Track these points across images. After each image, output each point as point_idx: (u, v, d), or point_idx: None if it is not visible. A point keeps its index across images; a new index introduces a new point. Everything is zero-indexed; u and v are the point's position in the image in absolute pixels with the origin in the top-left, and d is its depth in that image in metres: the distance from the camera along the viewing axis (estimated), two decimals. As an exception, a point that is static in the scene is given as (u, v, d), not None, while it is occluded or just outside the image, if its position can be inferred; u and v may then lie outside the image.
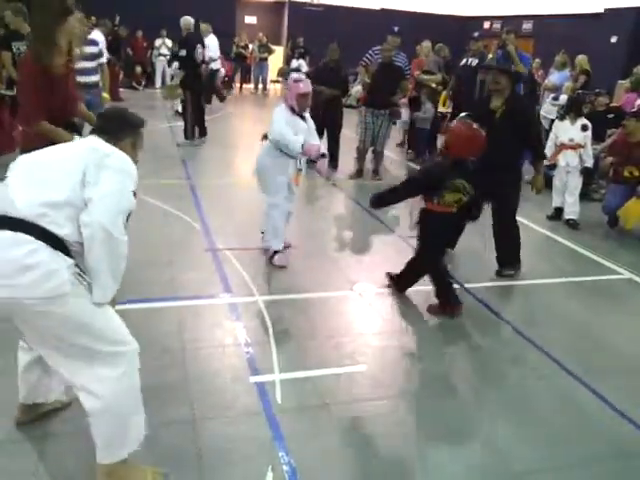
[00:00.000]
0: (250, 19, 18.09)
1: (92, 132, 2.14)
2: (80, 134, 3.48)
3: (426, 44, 9.33)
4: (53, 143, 2.27)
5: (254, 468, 2.29)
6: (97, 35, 7.40)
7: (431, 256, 3.70)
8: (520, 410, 2.83)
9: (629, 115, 6.03)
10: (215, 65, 10.22)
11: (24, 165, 1.97)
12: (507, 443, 2.58)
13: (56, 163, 1.95)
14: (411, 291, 4.03)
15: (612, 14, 12.27)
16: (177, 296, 3.67)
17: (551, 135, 6.02)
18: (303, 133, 4.17)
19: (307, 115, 4.35)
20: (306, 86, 4.19)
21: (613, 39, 12.26)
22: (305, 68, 13.96)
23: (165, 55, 14.09)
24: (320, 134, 7.40)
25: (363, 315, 3.71)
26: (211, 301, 3.67)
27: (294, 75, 4.49)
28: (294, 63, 14.28)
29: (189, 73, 8.05)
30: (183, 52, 8.04)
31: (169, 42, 13.94)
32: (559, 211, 6.05)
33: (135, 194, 2.01)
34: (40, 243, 1.78)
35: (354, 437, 2.53)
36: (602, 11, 12.53)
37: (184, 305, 3.56)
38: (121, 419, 2.01)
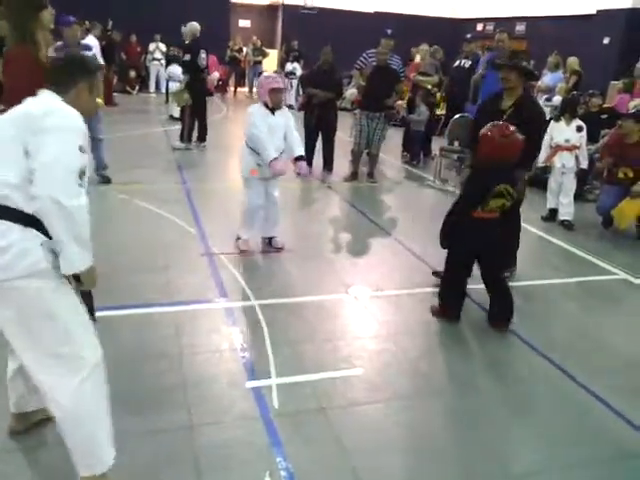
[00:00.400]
0: (244, 22, 18.10)
1: (47, 86, 2.04)
2: None
3: (423, 47, 9.35)
4: None
5: (251, 473, 2.28)
6: (91, 40, 7.39)
7: (458, 258, 3.58)
8: (519, 412, 2.84)
9: (626, 116, 6.02)
10: None
11: None
12: (506, 445, 2.58)
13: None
14: (406, 294, 4.04)
15: (604, 16, 12.33)
16: (173, 301, 3.66)
17: (546, 137, 6.02)
18: (276, 128, 4.29)
19: (285, 111, 4.45)
20: (277, 82, 4.33)
21: (605, 40, 12.32)
22: (299, 71, 13.99)
23: (159, 59, 14.10)
24: (315, 137, 7.48)
25: (359, 318, 3.71)
26: (207, 306, 3.66)
27: (265, 74, 4.66)
28: (288, 66, 14.29)
29: (192, 78, 8.09)
30: (187, 57, 8.09)
31: (163, 46, 13.96)
32: (554, 212, 6.08)
33: (82, 149, 1.87)
34: (9, 223, 1.78)
35: (351, 441, 2.52)
36: (594, 13, 12.60)
37: (180, 310, 3.56)
38: (84, 430, 1.95)
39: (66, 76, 2.03)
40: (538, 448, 2.57)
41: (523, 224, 5.70)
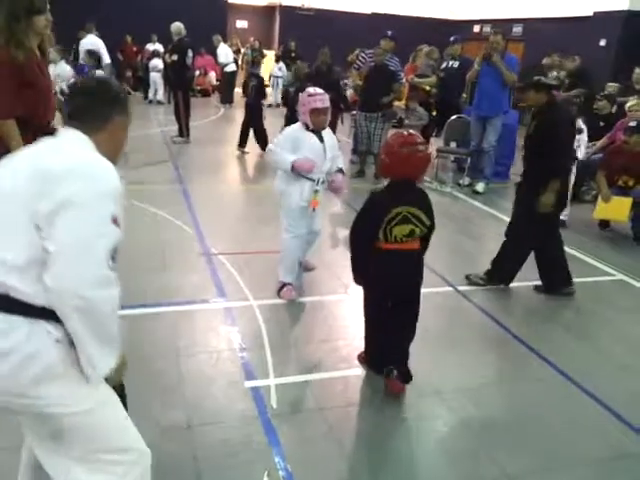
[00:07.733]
0: (241, 23, 18.13)
1: (67, 123, 1.57)
2: None
3: (423, 47, 9.34)
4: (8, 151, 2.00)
5: (250, 474, 2.28)
6: (92, 39, 7.43)
7: (373, 300, 2.92)
8: (516, 413, 2.84)
9: (631, 130, 5.76)
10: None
11: None
12: (502, 446, 2.58)
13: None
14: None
15: (601, 17, 12.38)
16: (171, 301, 3.65)
17: None
18: (322, 152, 3.68)
19: (328, 134, 3.84)
20: (321, 101, 3.68)
21: (602, 42, 12.37)
22: (285, 72, 13.97)
23: (159, 70, 14.14)
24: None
25: (358, 318, 3.69)
26: (205, 306, 3.66)
27: (309, 89, 3.86)
28: (275, 68, 14.17)
29: (179, 76, 8.45)
30: (175, 57, 8.41)
31: (160, 47, 13.93)
32: None
33: (116, 220, 1.45)
34: (10, 317, 1.37)
35: (350, 442, 2.52)
36: (591, 14, 12.64)
37: (178, 310, 3.55)
38: None
39: (98, 108, 1.57)
40: (533, 449, 2.57)
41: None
